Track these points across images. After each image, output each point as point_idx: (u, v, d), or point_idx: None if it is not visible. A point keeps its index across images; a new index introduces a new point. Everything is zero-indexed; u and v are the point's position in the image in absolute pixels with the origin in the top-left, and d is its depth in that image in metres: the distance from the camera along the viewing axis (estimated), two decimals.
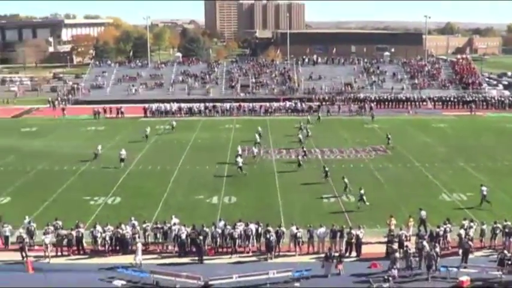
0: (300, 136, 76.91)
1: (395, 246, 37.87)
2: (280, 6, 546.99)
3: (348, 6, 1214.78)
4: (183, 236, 40.17)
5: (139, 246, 39.01)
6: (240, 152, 67.58)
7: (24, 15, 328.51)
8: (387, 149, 72.62)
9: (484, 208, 48.61)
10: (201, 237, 39.39)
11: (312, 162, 66.43)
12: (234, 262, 38.73)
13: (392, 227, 41.66)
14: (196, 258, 39.18)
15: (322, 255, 37.25)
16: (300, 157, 64.61)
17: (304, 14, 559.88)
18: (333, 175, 58.98)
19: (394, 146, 73.79)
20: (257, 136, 75.54)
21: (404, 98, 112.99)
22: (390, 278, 33.60)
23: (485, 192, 49.67)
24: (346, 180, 53.51)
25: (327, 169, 58.49)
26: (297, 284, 34.79)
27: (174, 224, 42.04)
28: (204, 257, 39.25)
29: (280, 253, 39.93)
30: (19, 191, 57.00)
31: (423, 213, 43.69)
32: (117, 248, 40.67)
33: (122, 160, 66.44)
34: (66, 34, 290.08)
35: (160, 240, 41.64)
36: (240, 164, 62.58)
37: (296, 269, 35.72)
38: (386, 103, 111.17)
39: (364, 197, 49.48)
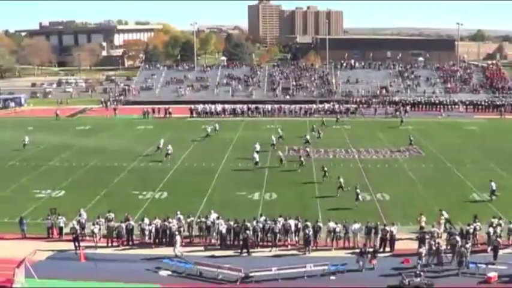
0: (308, 137, 76.18)
1: (429, 242, 37.58)
2: (320, 13, 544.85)
3: (384, 14, 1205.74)
4: (224, 230, 40.37)
5: (178, 238, 39.16)
6: (258, 149, 67.80)
7: (79, 22, 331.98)
8: (409, 150, 71.79)
9: (494, 201, 48.73)
10: (248, 232, 39.45)
11: (348, 161, 66.13)
12: (274, 255, 38.68)
13: (423, 224, 41.38)
14: (240, 250, 39.31)
15: (357, 250, 37.11)
16: (302, 158, 63.84)
17: (343, 20, 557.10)
18: (369, 174, 58.81)
19: (416, 147, 72.93)
20: (273, 138, 75.25)
21: (437, 101, 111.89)
22: (421, 273, 33.31)
23: (494, 187, 49.86)
24: (341, 180, 52.96)
25: (325, 169, 58.14)
26: (332, 278, 34.69)
27: (215, 218, 42.30)
28: (248, 249, 39.28)
29: (318, 247, 39.85)
30: (73, 185, 57.72)
31: (445, 213, 43.26)
32: (163, 240, 40.94)
33: (167, 155, 67.61)
34: (118, 39, 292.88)
35: (203, 234, 41.82)
36: (257, 160, 63.51)
37: (332, 263, 35.58)
38: (420, 106, 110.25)
39: (360, 196, 49.46)
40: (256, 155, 64.59)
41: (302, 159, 63.66)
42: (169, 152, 67.91)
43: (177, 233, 39.94)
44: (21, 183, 58.70)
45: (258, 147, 68.61)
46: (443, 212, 42.98)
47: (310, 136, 77.68)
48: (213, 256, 38.36)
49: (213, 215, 42.63)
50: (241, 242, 39.83)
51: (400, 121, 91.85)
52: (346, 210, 46.80)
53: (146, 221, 41.70)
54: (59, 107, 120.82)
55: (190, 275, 35.45)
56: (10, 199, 52.96)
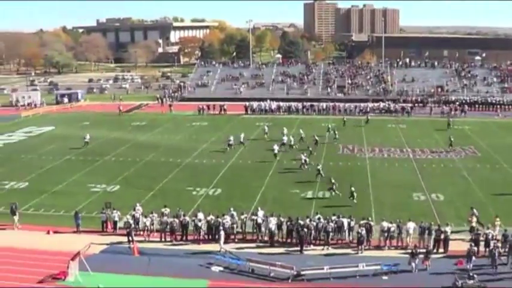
0: (316, 138, 74.59)
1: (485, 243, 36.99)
2: (376, 11, 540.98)
3: (440, 12, 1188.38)
4: (273, 227, 40.38)
5: (222, 234, 39.38)
6: (285, 141, 71.73)
7: (136, 19, 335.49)
8: (448, 151, 70.49)
9: None
10: (305, 230, 39.39)
11: (402, 161, 65.45)
12: (326, 254, 38.48)
13: (473, 224, 40.70)
14: (293, 248, 39.22)
15: (410, 251, 36.64)
16: (304, 158, 62.62)
17: (399, 18, 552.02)
18: (424, 174, 58.18)
19: (455, 148, 71.55)
20: (285, 137, 74.33)
21: (493, 101, 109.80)
22: (475, 276, 32.75)
23: None
24: (333, 180, 52.38)
25: (319, 167, 57.91)
26: (385, 277, 34.36)
27: (262, 215, 42.31)
28: (300, 246, 39.21)
29: (371, 247, 39.51)
30: (128, 180, 58.46)
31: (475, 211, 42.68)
32: (216, 236, 41.09)
33: (229, 145, 70.67)
34: (174, 36, 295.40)
35: (255, 231, 41.84)
36: (276, 151, 66.73)
37: (385, 262, 35.25)
38: (477, 106, 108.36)
39: (355, 194, 49.11)
40: (276, 146, 67.77)
41: (304, 158, 62.64)
42: (231, 143, 71.82)
43: (221, 228, 40.15)
44: (77, 177, 59.65)
45: (285, 138, 72.57)
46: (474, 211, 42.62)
47: (328, 135, 78.35)
48: (260, 253, 38.36)
49: (260, 213, 42.66)
50: (294, 240, 39.90)
51: (447, 124, 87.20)
52: (399, 209, 46.29)
53: (200, 216, 41.96)
54: (114, 103, 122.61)
55: (242, 271, 35.50)
56: (66, 193, 53.84)
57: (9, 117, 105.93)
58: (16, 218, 44.55)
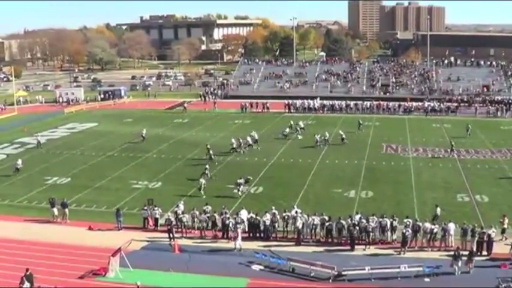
0: (327, 134, 74.80)
1: None
2: (421, 8, 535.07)
3: (487, 10, 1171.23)
4: (300, 226, 40.28)
5: (240, 231, 39.41)
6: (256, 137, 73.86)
7: (179, 16, 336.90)
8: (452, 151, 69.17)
9: None
10: (357, 228, 39.33)
11: (447, 161, 64.74)
12: (368, 254, 38.21)
13: (505, 226, 40.14)
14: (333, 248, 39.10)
15: (452, 253, 36.15)
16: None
17: (444, 16, 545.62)
18: (468, 175, 57.53)
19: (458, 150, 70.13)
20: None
21: None
22: None
23: None
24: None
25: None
26: (426, 280, 33.98)
27: (296, 212, 42.36)
28: (339, 248, 39.10)
29: (414, 248, 39.05)
30: (169, 176, 58.88)
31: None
32: (257, 234, 41.13)
33: (255, 142, 72.07)
34: (217, 33, 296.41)
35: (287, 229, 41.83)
36: (286, 133, 75.12)
37: (427, 264, 34.83)
38: None
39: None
40: (287, 130, 76.66)
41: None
42: (256, 138, 72.90)
43: (238, 226, 40.17)
44: (119, 173, 60.30)
45: (301, 124, 79.93)
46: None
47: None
48: (284, 253, 38.30)
49: (294, 211, 42.64)
50: (335, 240, 39.90)
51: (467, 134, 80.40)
52: (443, 210, 45.77)
53: (241, 214, 42.05)
54: (149, 100, 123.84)
55: (282, 270, 35.40)
56: (108, 189, 54.52)
57: (53, 114, 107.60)
58: (67, 211, 45.70)
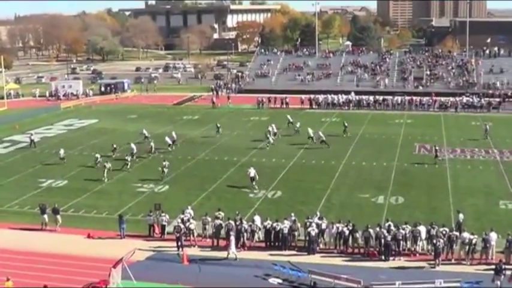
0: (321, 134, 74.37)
1: None
2: None
3: None
4: (313, 233, 40.13)
5: (233, 239, 39.46)
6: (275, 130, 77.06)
7: (189, 1, 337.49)
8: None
9: None
10: (390, 235, 39.23)
11: (488, 163, 64.46)
12: (398, 266, 38.11)
13: None
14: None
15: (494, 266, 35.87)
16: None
17: (486, 1, 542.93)
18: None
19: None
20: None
21: None
22: None
23: None
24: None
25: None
26: None
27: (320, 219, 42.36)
28: (366, 259, 39.02)
29: (450, 260, 38.85)
30: (178, 179, 59.02)
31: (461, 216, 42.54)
32: (275, 243, 41.12)
33: (274, 134, 73.63)
34: (231, 20, 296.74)
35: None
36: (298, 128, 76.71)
37: (465, 280, 34.56)
38: None
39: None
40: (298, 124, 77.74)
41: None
42: (275, 131, 74.74)
43: (231, 233, 40.18)
44: (121, 176, 60.51)
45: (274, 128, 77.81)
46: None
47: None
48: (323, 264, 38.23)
49: (316, 219, 42.49)
50: (362, 250, 39.86)
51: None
52: (483, 218, 45.53)
53: (257, 221, 42.07)
54: (148, 94, 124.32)
55: (302, 284, 35.36)
56: (109, 193, 54.77)
57: (48, 109, 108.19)
58: (59, 219, 45.57)
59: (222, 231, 41.50)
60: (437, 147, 66.14)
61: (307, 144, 72.59)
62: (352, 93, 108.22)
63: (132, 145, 68.67)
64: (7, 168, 64.76)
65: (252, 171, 55.82)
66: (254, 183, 55.36)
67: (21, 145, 76.09)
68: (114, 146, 69.02)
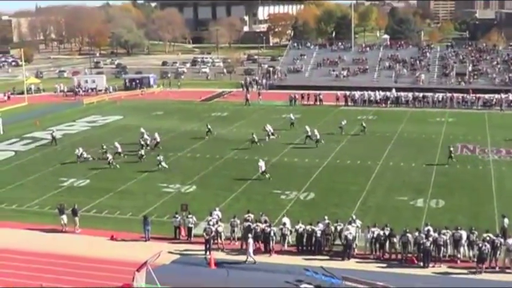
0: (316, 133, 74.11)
1: None
2: None
3: None
4: (350, 236, 40.06)
5: (251, 242, 39.43)
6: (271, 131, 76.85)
7: None
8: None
9: None
10: (430, 240, 38.98)
11: None
12: (438, 273, 37.90)
13: None
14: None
15: None
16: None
17: None
18: None
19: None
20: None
21: None
22: None
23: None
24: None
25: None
26: None
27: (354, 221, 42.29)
28: (404, 266, 38.84)
29: (494, 268, 38.52)
30: (206, 179, 59.18)
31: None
32: (309, 248, 41.08)
33: (316, 140, 72.18)
34: (262, 12, 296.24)
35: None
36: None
37: None
38: None
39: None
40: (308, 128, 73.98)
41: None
42: (312, 135, 72.84)
43: (249, 235, 40.26)
44: (146, 175, 60.81)
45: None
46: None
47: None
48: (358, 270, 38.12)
49: (354, 225, 42.37)
50: (399, 256, 39.65)
51: None
52: None
53: (288, 224, 42.03)
54: (171, 90, 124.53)
55: None
56: (133, 193, 55.07)
57: (70, 105, 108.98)
58: (77, 220, 45.77)
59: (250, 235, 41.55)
60: (451, 148, 65.47)
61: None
62: (393, 90, 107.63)
63: (116, 144, 69.08)
64: (27, 166, 65.39)
65: (263, 164, 57.66)
66: (267, 175, 57.75)
67: (42, 142, 76.82)
68: (104, 146, 68.62)
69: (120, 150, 67.77)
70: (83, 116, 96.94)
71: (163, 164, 62.11)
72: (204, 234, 41.15)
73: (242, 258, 39.96)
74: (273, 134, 76.00)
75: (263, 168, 58.28)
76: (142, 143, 70.73)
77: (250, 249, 39.21)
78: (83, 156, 66.16)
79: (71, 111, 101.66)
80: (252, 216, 43.46)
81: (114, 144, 69.10)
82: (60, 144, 75.10)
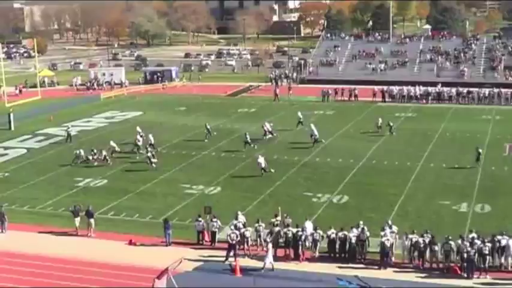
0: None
1: None
2: None
3: None
4: (388, 243, 39.96)
5: (270, 247, 39.45)
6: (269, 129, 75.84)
7: None
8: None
9: None
10: (475, 249, 38.76)
11: None
12: (483, 283, 37.68)
13: None
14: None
15: None
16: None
17: None
18: None
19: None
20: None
21: None
22: None
23: None
24: None
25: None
26: None
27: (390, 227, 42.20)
28: (446, 276, 38.68)
29: None
30: (232, 180, 59.33)
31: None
32: (342, 255, 41.05)
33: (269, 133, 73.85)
34: (293, 1, 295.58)
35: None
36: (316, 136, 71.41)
37: None
38: None
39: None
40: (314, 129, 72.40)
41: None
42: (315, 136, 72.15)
43: (268, 239, 40.42)
44: (168, 175, 61.10)
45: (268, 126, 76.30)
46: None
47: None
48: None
49: (388, 231, 42.18)
50: (440, 265, 39.50)
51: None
52: None
53: (309, 227, 42.00)
54: (193, 84, 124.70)
55: None
56: (154, 194, 55.35)
57: (86, 99, 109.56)
58: (92, 223, 46.00)
59: (281, 240, 41.60)
60: (480, 149, 64.65)
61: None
62: (439, 85, 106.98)
63: (112, 143, 69.14)
64: (40, 165, 65.93)
65: (262, 160, 58.31)
66: (266, 171, 58.98)
67: (56, 139, 77.35)
68: (94, 150, 67.51)
69: (117, 149, 68.14)
70: (100, 111, 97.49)
71: (153, 161, 63.03)
72: (229, 239, 41.21)
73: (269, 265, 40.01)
74: (271, 133, 75.62)
75: (262, 165, 58.97)
76: (138, 143, 70.43)
77: (270, 255, 39.25)
78: (81, 158, 65.72)
79: (87, 107, 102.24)
80: (279, 219, 43.53)
81: (110, 143, 69.24)
82: (75, 141, 75.47)
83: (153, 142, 70.02)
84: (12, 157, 69.74)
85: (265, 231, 42.43)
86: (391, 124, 77.87)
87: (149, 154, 63.98)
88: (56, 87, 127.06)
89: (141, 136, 72.24)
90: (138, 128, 75.54)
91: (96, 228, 45.82)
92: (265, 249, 40.38)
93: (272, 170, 59.42)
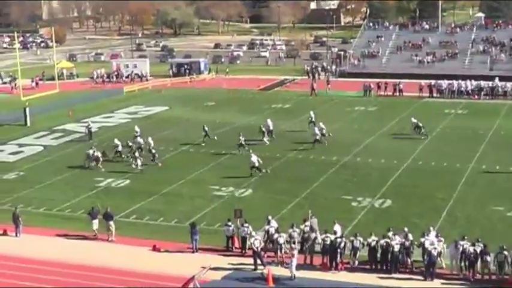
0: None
1: None
2: None
3: None
4: (435, 252, 39.50)
5: (295, 253, 39.35)
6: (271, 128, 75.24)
7: None
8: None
9: None
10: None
11: None
12: None
13: None
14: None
15: None
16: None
17: None
18: None
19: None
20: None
21: None
22: None
23: None
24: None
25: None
26: None
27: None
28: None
29: None
30: (264, 182, 59.18)
31: None
32: (384, 265, 40.86)
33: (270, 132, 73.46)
34: None
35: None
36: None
37: None
38: None
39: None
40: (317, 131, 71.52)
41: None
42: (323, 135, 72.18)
43: (294, 245, 40.27)
44: (195, 175, 61.26)
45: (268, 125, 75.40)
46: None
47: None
48: None
49: (432, 235, 41.83)
50: (493, 277, 39.16)
51: None
52: None
53: (360, 237, 41.80)
54: (221, 77, 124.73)
55: None
56: (180, 196, 55.48)
57: (108, 93, 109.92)
58: (112, 226, 46.08)
59: (317, 247, 41.48)
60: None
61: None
62: (496, 79, 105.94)
63: (116, 141, 69.29)
64: (58, 164, 66.32)
65: (255, 159, 58.97)
66: (257, 171, 59.80)
67: (75, 136, 77.71)
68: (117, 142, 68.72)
69: (120, 148, 68.05)
70: (122, 106, 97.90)
71: (139, 163, 63.07)
72: (252, 245, 41.24)
73: (305, 273, 39.98)
74: (270, 132, 75.14)
75: (256, 164, 59.40)
76: (131, 144, 69.04)
77: (294, 262, 39.18)
78: (94, 156, 65.24)
79: (108, 101, 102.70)
80: (308, 224, 43.31)
81: (114, 141, 69.44)
82: (96, 138, 75.82)
83: (146, 145, 68.68)
84: (27, 155, 70.25)
85: (299, 238, 42.39)
86: (421, 125, 75.59)
87: (137, 154, 64.11)
88: (75, 80, 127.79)
89: (135, 137, 71.95)
90: (136, 128, 75.77)
91: (117, 232, 45.96)
92: (289, 254, 40.24)
93: (267, 171, 59.59)
